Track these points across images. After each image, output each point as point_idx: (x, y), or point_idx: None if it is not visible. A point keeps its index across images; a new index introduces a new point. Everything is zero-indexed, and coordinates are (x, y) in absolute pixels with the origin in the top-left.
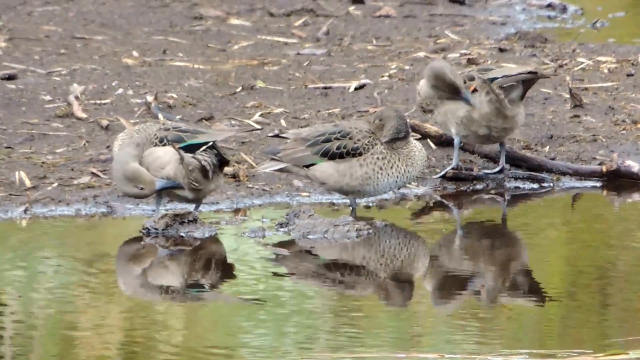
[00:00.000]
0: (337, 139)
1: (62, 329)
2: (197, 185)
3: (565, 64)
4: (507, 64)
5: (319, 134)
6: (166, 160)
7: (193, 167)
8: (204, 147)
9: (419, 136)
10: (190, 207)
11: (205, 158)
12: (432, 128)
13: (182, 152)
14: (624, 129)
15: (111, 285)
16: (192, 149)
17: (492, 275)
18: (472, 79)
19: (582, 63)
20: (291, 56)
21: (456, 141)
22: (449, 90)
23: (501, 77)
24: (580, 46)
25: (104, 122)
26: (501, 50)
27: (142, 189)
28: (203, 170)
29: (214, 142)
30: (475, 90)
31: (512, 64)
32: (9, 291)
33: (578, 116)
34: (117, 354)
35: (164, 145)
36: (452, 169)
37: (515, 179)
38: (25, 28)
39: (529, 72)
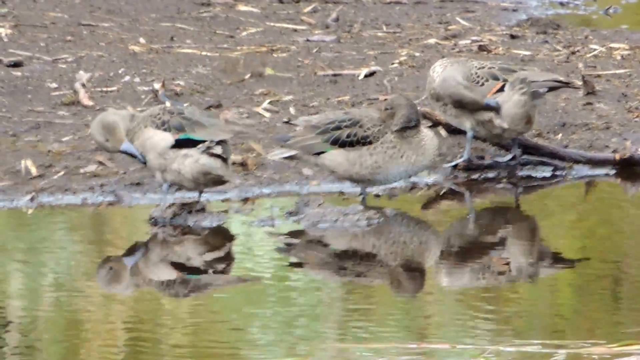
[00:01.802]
0: (347, 126)
1: (67, 320)
2: (224, 178)
3: (578, 51)
4: (531, 68)
5: (329, 122)
6: (165, 149)
7: (220, 164)
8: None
9: (430, 124)
10: (199, 196)
11: (221, 150)
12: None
13: (215, 168)
14: (637, 117)
15: (117, 275)
16: (187, 142)
17: (503, 265)
18: (495, 77)
19: (594, 50)
20: (300, 43)
21: (469, 135)
22: (470, 106)
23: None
24: (592, 33)
25: (111, 110)
26: (513, 36)
27: (107, 140)
28: (225, 161)
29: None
30: (500, 90)
31: (531, 64)
32: (15, 282)
33: (591, 103)
34: (122, 343)
35: (165, 130)
36: (464, 161)
37: (527, 165)
38: (31, 14)
39: (559, 81)
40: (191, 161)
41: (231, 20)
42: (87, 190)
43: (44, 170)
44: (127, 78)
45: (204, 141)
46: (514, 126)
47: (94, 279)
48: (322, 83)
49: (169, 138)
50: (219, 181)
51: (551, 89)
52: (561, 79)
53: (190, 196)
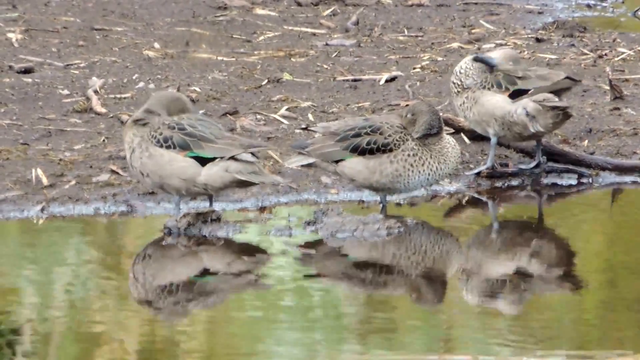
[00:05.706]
0: (367, 133)
1: (78, 333)
2: (259, 181)
3: (605, 54)
4: (534, 69)
5: (348, 129)
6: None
7: (255, 166)
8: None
9: (453, 130)
10: (211, 204)
11: (253, 159)
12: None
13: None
14: None
15: (130, 287)
16: (198, 158)
17: (528, 275)
18: (499, 85)
19: (622, 53)
20: (319, 47)
21: (493, 141)
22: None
23: (532, 89)
24: (620, 35)
25: (124, 117)
26: (538, 40)
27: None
28: (255, 167)
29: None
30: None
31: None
32: (26, 294)
33: (618, 109)
34: (132, 356)
35: (168, 147)
36: (487, 168)
37: (552, 172)
38: (42, 19)
39: (567, 78)
40: (218, 170)
41: (248, 24)
42: (100, 200)
43: (55, 179)
44: (141, 84)
45: (214, 158)
46: (541, 122)
47: (104, 292)
48: (342, 88)
49: (194, 166)
50: (250, 184)
51: (560, 89)
52: (570, 76)
53: (205, 205)
